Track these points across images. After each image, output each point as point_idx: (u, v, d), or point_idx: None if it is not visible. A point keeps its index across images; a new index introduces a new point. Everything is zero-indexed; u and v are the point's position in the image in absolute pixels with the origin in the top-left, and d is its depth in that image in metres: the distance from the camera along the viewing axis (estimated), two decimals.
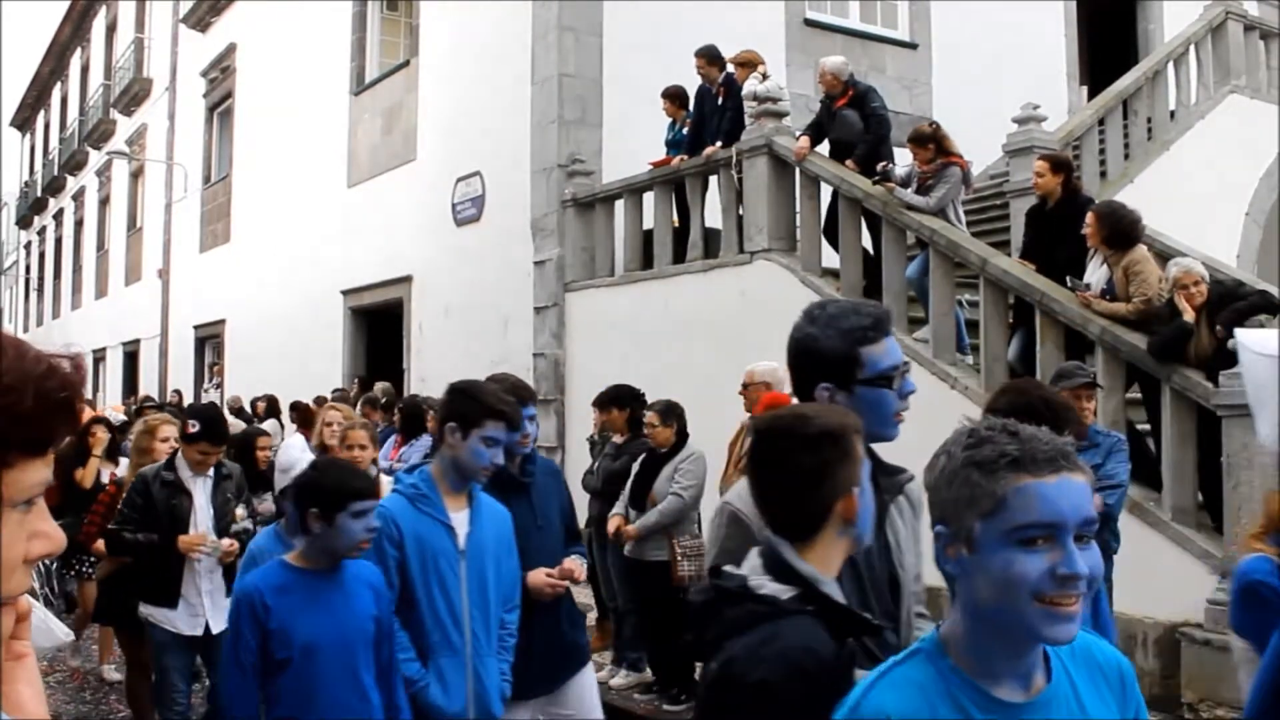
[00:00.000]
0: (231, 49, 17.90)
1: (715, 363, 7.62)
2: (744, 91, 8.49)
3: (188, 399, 17.06)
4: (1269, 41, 11.75)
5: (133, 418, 10.19)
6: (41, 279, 32.55)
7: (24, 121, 35.73)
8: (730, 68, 8.66)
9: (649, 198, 9.22)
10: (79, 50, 28.60)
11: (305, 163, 14.91)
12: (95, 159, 25.90)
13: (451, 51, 11.78)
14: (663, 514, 5.70)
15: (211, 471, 4.56)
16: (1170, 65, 10.70)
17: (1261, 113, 11.02)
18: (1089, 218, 6.11)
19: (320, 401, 11.18)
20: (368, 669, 2.88)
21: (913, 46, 12.14)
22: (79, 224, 28.14)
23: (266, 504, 5.63)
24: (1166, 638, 5.37)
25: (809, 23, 11.39)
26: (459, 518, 3.12)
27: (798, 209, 8.12)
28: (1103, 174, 9.85)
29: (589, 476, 6.55)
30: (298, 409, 10.81)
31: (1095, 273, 6.26)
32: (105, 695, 6.26)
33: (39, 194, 32.36)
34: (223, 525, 4.52)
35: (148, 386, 20.51)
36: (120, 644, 5.49)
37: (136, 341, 22.24)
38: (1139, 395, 6.24)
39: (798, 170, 8.03)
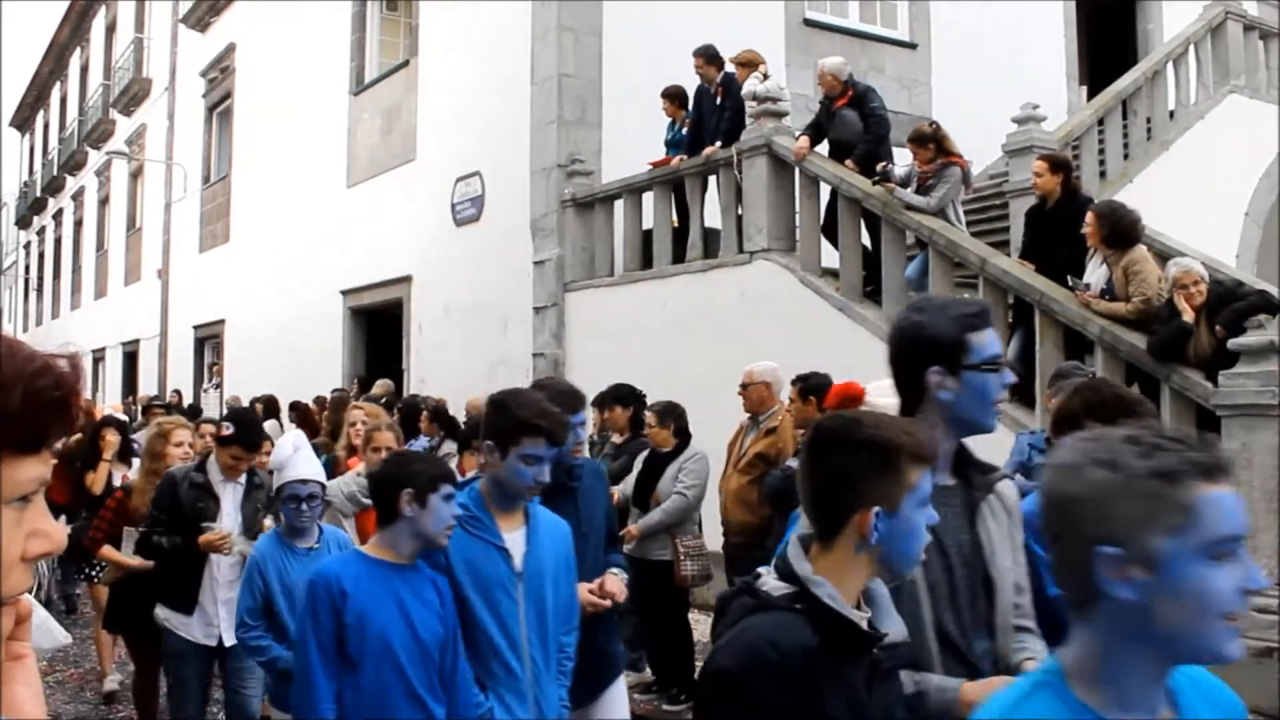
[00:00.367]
0: (231, 49, 17.90)
1: (715, 363, 7.61)
2: (744, 91, 8.49)
3: (187, 399, 17.06)
4: (1268, 41, 11.75)
5: (137, 418, 10.15)
6: (41, 279, 32.53)
7: (23, 121, 35.71)
8: (729, 67, 8.66)
9: (648, 198, 9.22)
10: (78, 50, 28.59)
11: (305, 163, 14.90)
12: (95, 159, 25.89)
13: (451, 51, 11.78)
14: (666, 513, 5.71)
15: (244, 479, 4.42)
16: (1170, 65, 10.70)
17: (1261, 113, 11.01)
18: (1089, 217, 6.11)
19: (320, 402, 11.19)
20: (435, 673, 2.78)
21: (912, 46, 12.14)
22: (78, 224, 28.12)
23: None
24: None
25: (808, 23, 11.40)
26: (514, 538, 2.90)
27: (797, 209, 8.12)
28: (1102, 174, 9.85)
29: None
30: (297, 409, 10.83)
31: (1095, 272, 6.26)
32: (105, 697, 6.24)
33: (38, 194, 32.33)
34: (249, 536, 4.35)
35: (147, 386, 20.50)
36: (129, 651, 5.35)
37: (136, 341, 22.23)
38: None
39: (797, 170, 8.03)
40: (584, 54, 10.03)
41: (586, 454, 3.52)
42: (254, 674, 4.24)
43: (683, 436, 5.87)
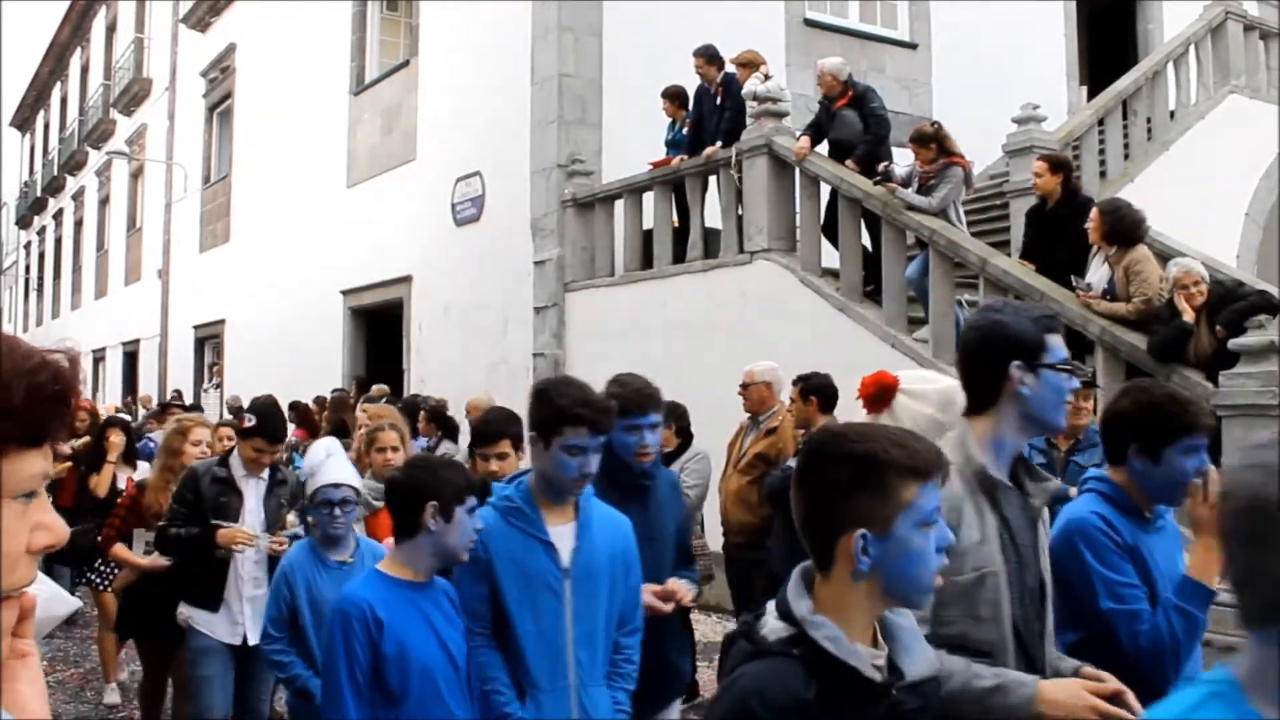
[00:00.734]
0: (231, 49, 17.90)
1: (715, 363, 7.62)
2: (744, 91, 8.49)
3: (187, 399, 17.05)
4: (1269, 42, 11.75)
5: (137, 417, 10.09)
6: (41, 279, 32.54)
7: (24, 121, 35.73)
8: (730, 67, 8.66)
9: (649, 198, 9.23)
10: (79, 50, 28.60)
11: (305, 163, 14.91)
12: (95, 159, 25.90)
13: (451, 51, 11.78)
14: None
15: (267, 474, 4.33)
16: (1170, 65, 10.70)
17: (1261, 113, 11.02)
18: (1093, 213, 6.11)
19: (320, 401, 11.19)
20: (468, 692, 2.64)
21: (913, 46, 12.14)
22: (79, 224, 28.13)
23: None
24: None
25: (809, 23, 11.40)
26: (562, 532, 2.74)
27: (797, 209, 8.12)
28: (1102, 174, 9.86)
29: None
30: (297, 409, 10.82)
31: (1096, 272, 6.26)
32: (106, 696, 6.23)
33: (39, 194, 32.35)
34: (272, 533, 4.30)
35: (147, 387, 20.50)
36: (140, 655, 5.21)
37: (136, 341, 22.24)
38: None
39: (797, 170, 8.04)
40: (584, 54, 10.03)
41: (655, 458, 3.27)
42: (270, 678, 4.21)
43: (685, 436, 5.87)
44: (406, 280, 12.35)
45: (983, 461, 2.04)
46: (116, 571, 5.78)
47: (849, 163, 7.76)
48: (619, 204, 9.54)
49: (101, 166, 25.27)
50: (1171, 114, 10.62)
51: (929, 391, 2.36)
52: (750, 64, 8.68)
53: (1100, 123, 9.94)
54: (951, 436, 2.11)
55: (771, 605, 1.54)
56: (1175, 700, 1.25)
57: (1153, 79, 10.38)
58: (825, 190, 8.02)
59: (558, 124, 9.96)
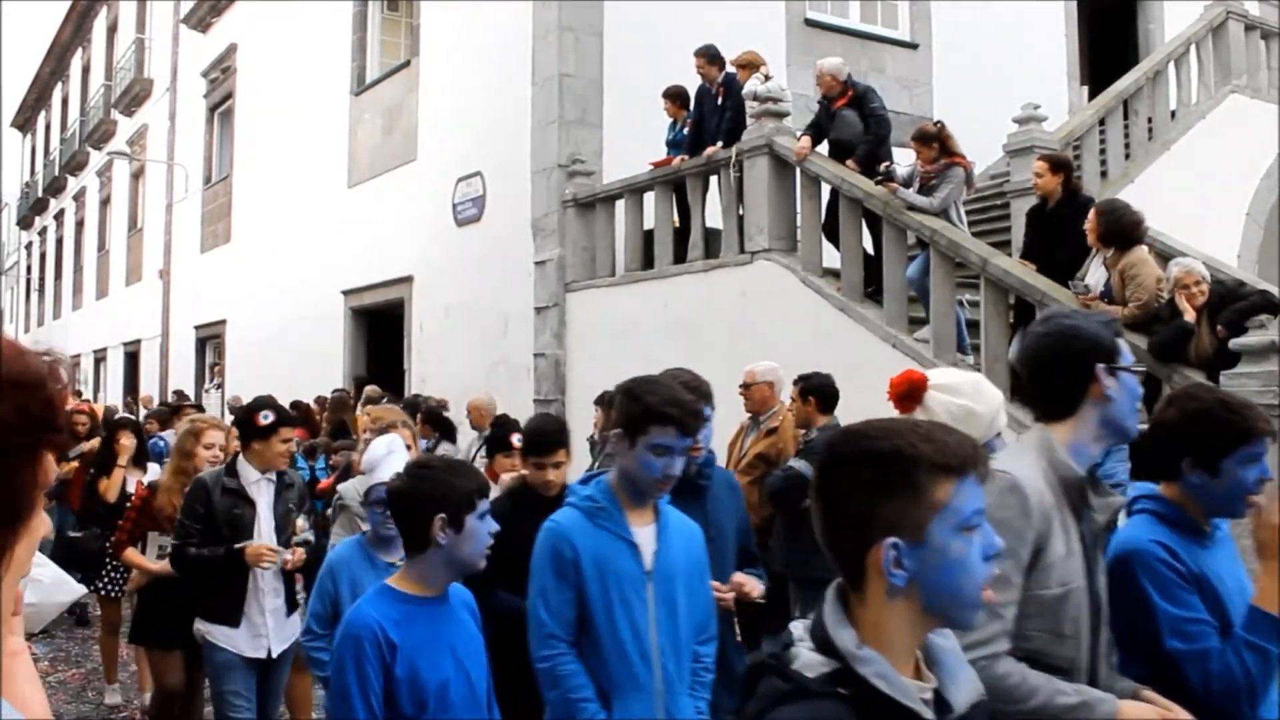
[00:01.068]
0: (232, 49, 17.91)
1: (715, 363, 7.58)
2: (745, 91, 8.49)
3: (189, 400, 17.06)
4: (1269, 41, 11.75)
5: (169, 415, 9.94)
6: (42, 279, 32.57)
7: (25, 122, 35.74)
8: (730, 67, 8.65)
9: (649, 198, 9.22)
10: (80, 51, 28.61)
11: (306, 163, 14.91)
12: (96, 159, 25.91)
13: (452, 52, 11.78)
14: None
15: (274, 478, 4.27)
16: (1171, 65, 10.70)
17: (1262, 113, 11.02)
18: (1090, 214, 6.10)
19: (321, 401, 11.20)
20: (489, 710, 2.54)
21: (913, 46, 12.14)
22: (80, 224, 28.15)
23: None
24: None
25: (809, 23, 11.40)
26: (644, 534, 2.67)
27: (798, 209, 8.12)
28: (1103, 174, 9.85)
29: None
30: (298, 409, 10.81)
31: (1094, 273, 6.25)
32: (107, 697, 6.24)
33: (40, 194, 32.38)
34: (284, 538, 4.26)
35: (149, 387, 20.51)
36: (151, 666, 4.99)
37: (137, 342, 22.25)
38: None
39: (798, 170, 8.03)
40: (585, 54, 10.03)
41: (707, 453, 3.28)
42: (282, 684, 4.25)
43: None
44: (407, 280, 12.36)
45: (1076, 469, 1.97)
46: (126, 577, 5.74)
47: (850, 163, 7.76)
48: (620, 204, 9.54)
49: (102, 167, 25.28)
50: (1172, 114, 10.62)
51: (960, 382, 2.33)
52: (750, 65, 8.68)
53: (1101, 123, 9.93)
54: (1030, 439, 2.04)
55: (799, 630, 1.34)
56: None
57: (1153, 79, 10.37)
58: (826, 190, 8.02)
59: (558, 124, 9.96)
